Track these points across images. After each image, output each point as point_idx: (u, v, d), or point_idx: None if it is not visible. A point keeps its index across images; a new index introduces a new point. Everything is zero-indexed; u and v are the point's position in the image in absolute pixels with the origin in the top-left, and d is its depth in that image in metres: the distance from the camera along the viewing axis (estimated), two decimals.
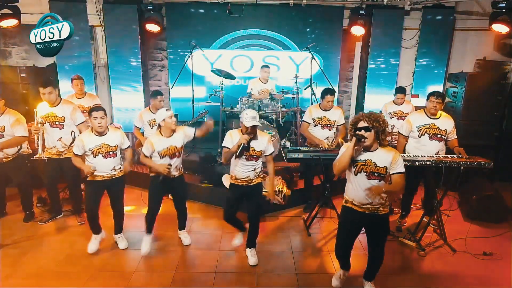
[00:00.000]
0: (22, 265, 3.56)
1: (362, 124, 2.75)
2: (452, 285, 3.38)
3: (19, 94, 5.41)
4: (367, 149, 2.82)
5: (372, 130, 2.73)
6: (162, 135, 3.61)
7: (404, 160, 3.73)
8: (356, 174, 2.86)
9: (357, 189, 2.90)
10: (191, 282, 3.39)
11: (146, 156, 3.62)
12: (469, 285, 3.37)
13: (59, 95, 4.38)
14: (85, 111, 4.90)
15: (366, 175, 2.83)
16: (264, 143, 3.47)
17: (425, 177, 4.22)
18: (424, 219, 4.17)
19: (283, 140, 5.64)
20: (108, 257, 3.71)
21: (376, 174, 2.81)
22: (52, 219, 4.44)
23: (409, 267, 3.64)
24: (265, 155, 3.53)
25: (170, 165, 3.57)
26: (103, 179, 3.67)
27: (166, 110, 3.58)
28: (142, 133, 4.86)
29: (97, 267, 3.54)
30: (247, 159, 3.45)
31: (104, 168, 3.64)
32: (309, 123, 4.65)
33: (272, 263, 3.65)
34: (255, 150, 3.43)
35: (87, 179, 3.67)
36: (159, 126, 3.61)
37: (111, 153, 3.64)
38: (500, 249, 3.88)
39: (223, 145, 3.49)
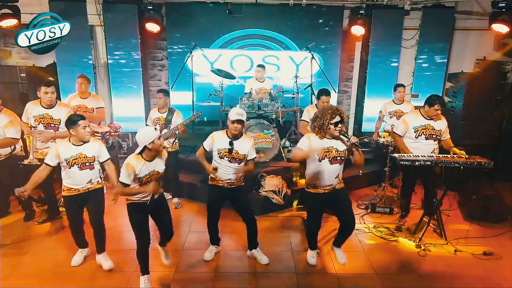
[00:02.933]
0: (22, 265, 3.57)
1: (338, 118, 3.13)
2: (452, 285, 3.38)
3: (19, 94, 5.41)
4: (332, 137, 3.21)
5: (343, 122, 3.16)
6: (144, 158, 3.02)
7: (404, 160, 3.77)
8: (320, 161, 3.22)
9: (321, 174, 3.25)
10: (191, 282, 3.40)
11: (126, 185, 2.97)
12: (469, 285, 3.38)
13: (57, 95, 4.37)
14: (87, 112, 4.90)
15: (329, 160, 3.21)
16: (248, 147, 3.46)
17: (423, 177, 4.23)
18: (424, 219, 4.17)
19: (283, 140, 5.65)
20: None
21: (338, 158, 3.23)
22: (49, 219, 4.43)
23: (409, 267, 3.63)
24: (247, 160, 3.50)
25: (151, 201, 3.10)
26: (78, 193, 3.35)
27: (155, 129, 3.15)
28: None
29: (97, 267, 3.53)
30: (230, 161, 3.43)
31: (79, 180, 3.33)
32: (308, 122, 4.64)
33: (272, 263, 3.65)
34: (238, 153, 3.41)
35: (63, 194, 3.40)
36: (145, 148, 2.98)
37: (87, 164, 3.32)
38: (500, 249, 3.88)
39: (203, 143, 3.52)
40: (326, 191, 3.33)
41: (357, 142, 3.12)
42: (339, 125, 3.13)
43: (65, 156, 3.25)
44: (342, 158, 3.24)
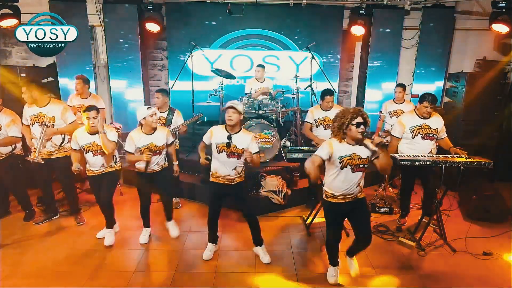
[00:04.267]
0: (22, 265, 3.57)
1: (360, 119, 2.85)
2: (452, 285, 3.38)
3: (19, 94, 5.39)
4: (356, 142, 2.93)
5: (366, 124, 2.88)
6: (142, 131, 3.70)
7: (404, 160, 3.77)
8: (342, 169, 2.96)
9: (341, 183, 3.01)
10: (191, 282, 3.39)
11: (130, 153, 3.71)
12: (469, 285, 3.37)
13: (57, 95, 4.37)
14: None
15: (351, 168, 2.95)
16: (248, 141, 3.43)
17: (423, 177, 4.23)
18: (423, 220, 4.17)
19: (283, 140, 5.64)
20: (108, 257, 3.71)
21: (360, 166, 2.96)
22: (47, 219, 4.43)
23: (409, 267, 3.63)
24: (252, 153, 3.46)
25: (151, 151, 3.69)
26: (94, 174, 3.87)
27: (147, 108, 3.63)
28: None
29: (97, 267, 3.53)
30: (228, 156, 3.42)
31: (93, 165, 3.84)
32: (311, 124, 4.66)
33: (272, 263, 3.65)
34: (236, 148, 3.40)
35: (87, 174, 3.92)
36: (140, 123, 3.67)
37: (99, 151, 3.75)
38: (500, 249, 3.88)
39: (202, 138, 3.56)
40: (347, 200, 3.06)
41: (382, 142, 2.85)
42: (361, 126, 2.83)
43: (81, 142, 3.76)
44: (365, 166, 2.98)
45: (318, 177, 3.02)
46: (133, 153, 3.70)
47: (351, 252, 3.42)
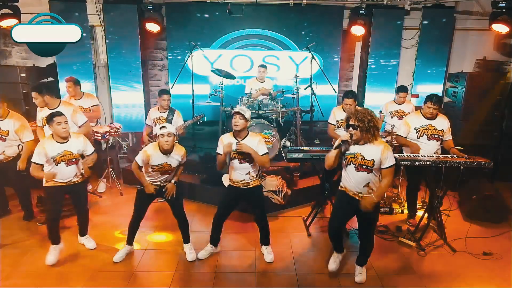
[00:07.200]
0: (22, 265, 3.57)
1: (350, 121, 3.00)
2: (452, 285, 3.38)
3: (19, 94, 5.41)
4: (357, 143, 3.05)
5: (358, 128, 2.96)
6: (159, 149, 3.42)
7: (404, 160, 3.77)
8: (346, 166, 3.13)
9: (348, 179, 3.15)
10: (191, 282, 3.40)
11: (139, 166, 3.44)
12: (469, 285, 3.38)
13: (58, 96, 4.37)
14: (85, 112, 4.92)
15: (355, 167, 3.07)
16: (255, 144, 3.44)
17: (426, 176, 4.23)
18: (423, 219, 4.17)
19: (283, 140, 5.64)
20: (108, 257, 3.71)
21: (364, 167, 3.04)
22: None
23: (409, 267, 3.63)
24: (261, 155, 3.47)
25: (158, 187, 3.56)
26: (64, 184, 3.53)
27: (160, 128, 3.38)
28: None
29: (97, 267, 3.53)
30: (240, 162, 3.46)
31: (65, 176, 3.51)
32: (334, 125, 4.65)
33: (272, 263, 3.65)
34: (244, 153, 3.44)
35: (45, 184, 3.52)
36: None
37: (73, 160, 3.49)
38: (500, 249, 3.88)
39: (216, 151, 3.51)
40: (356, 198, 3.14)
41: (341, 141, 3.00)
42: (350, 128, 2.99)
43: (51, 154, 3.38)
44: (369, 167, 3.02)
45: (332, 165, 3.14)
46: (141, 166, 3.44)
47: (359, 261, 3.43)
